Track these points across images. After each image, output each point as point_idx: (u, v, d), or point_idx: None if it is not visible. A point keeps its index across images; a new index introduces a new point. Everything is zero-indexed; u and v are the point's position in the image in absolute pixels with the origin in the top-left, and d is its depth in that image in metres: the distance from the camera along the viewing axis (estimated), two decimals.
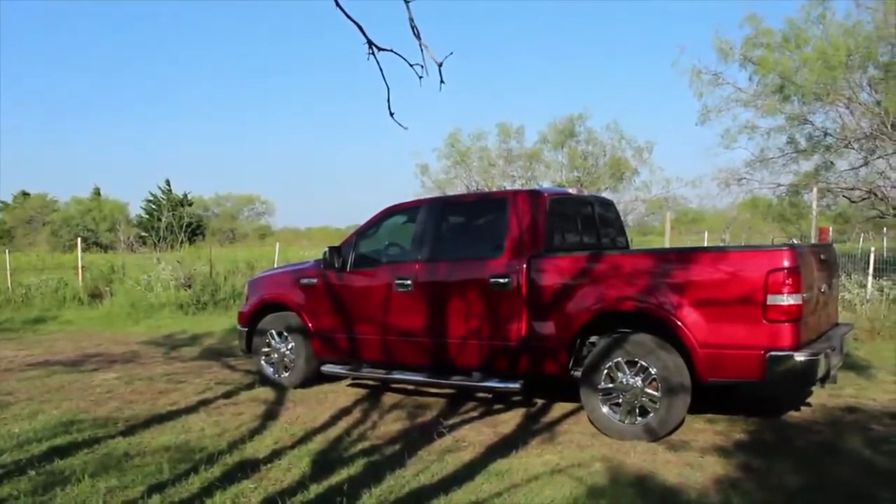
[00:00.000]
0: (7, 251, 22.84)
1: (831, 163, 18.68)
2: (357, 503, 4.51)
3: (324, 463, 5.36)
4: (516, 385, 6.66)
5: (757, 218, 26.24)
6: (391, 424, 6.55)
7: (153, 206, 62.01)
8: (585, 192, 8.39)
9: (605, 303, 6.13)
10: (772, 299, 5.43)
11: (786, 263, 5.45)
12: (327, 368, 8.03)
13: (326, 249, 7.81)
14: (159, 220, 25.26)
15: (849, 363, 8.51)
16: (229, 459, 5.49)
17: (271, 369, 8.42)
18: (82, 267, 19.83)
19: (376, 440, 6.02)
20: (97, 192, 72.32)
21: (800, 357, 5.43)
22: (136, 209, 68.96)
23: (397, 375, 7.52)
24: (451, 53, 2.94)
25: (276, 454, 5.60)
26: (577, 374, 6.36)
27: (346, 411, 7.05)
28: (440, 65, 2.96)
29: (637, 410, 6.01)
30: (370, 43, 3.13)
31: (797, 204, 19.92)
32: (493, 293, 6.68)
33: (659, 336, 5.97)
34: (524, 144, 18.66)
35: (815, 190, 13.25)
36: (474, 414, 6.87)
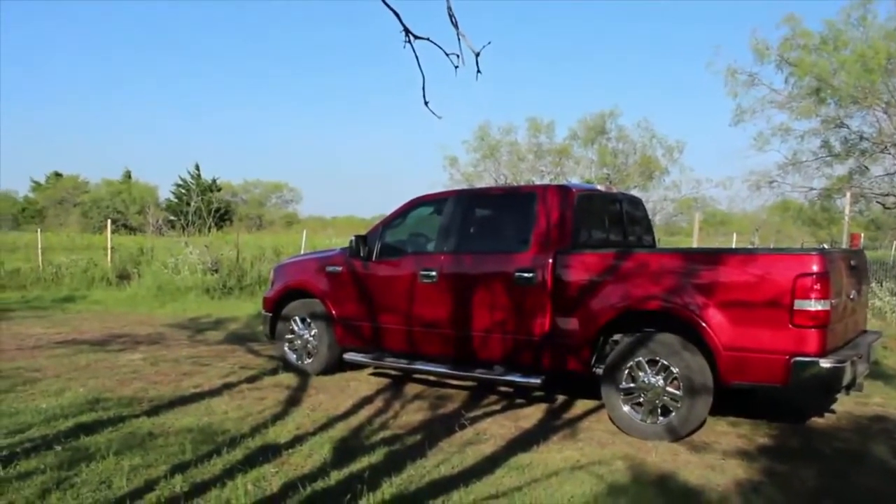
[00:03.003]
0: (38, 230, 23.16)
1: (866, 167, 18.44)
2: (377, 491, 4.51)
3: (345, 450, 5.38)
4: (537, 380, 6.63)
5: (787, 222, 25.97)
6: (413, 415, 6.56)
7: (182, 191, 62.41)
8: (614, 190, 8.36)
9: (630, 301, 6.10)
10: (799, 304, 5.36)
11: (815, 268, 5.37)
12: (349, 356, 8.03)
13: (353, 238, 7.86)
14: (188, 204, 25.43)
15: (877, 372, 8.40)
16: (251, 443, 5.52)
17: (294, 355, 8.47)
18: (111, 248, 20.06)
19: (398, 430, 6.02)
20: (128, 175, 72.95)
21: (825, 364, 5.35)
22: (165, 193, 69.49)
23: (419, 366, 7.52)
24: (490, 43, 2.93)
25: (297, 440, 5.63)
26: (600, 371, 6.33)
27: (368, 400, 7.07)
28: (477, 54, 2.96)
29: (658, 410, 5.97)
30: (407, 31, 3.12)
31: (829, 208, 19.70)
32: (518, 287, 6.66)
33: (683, 336, 5.93)
34: (554, 140, 18.55)
35: (848, 195, 13.09)
36: (496, 407, 6.86)
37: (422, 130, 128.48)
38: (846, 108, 17.23)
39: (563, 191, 6.95)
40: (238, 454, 5.23)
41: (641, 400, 6.04)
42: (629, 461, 5.32)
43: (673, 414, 5.90)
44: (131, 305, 15.62)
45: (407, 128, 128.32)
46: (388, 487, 4.60)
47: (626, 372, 6.10)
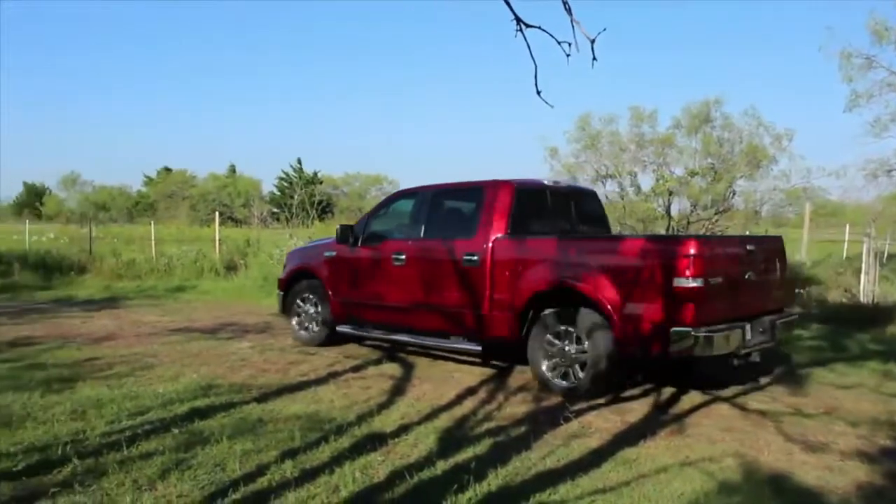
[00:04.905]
0: (152, 223, 24.12)
1: None
2: (483, 482, 4.50)
3: (450, 440, 5.39)
4: (478, 347, 7.72)
5: None
6: (517, 406, 6.54)
7: (285, 184, 64.03)
8: (563, 184, 9.15)
9: (549, 280, 7.09)
10: (677, 282, 6.19)
11: (691, 251, 6.20)
12: (341, 329, 9.22)
13: (339, 227, 9.10)
14: (291, 197, 26.03)
15: None
16: (357, 431, 5.59)
17: (300, 328, 9.81)
18: (219, 240, 20.69)
19: (502, 421, 6.01)
20: (233, 170, 75.38)
21: (697, 333, 6.15)
22: (268, 186, 71.43)
23: (391, 336, 8.71)
24: (605, 30, 2.85)
25: (403, 429, 5.68)
26: (529, 340, 7.26)
27: (471, 391, 7.09)
28: (593, 41, 2.88)
29: (571, 373, 6.93)
30: (518, 20, 3.08)
31: None
32: (466, 268, 7.70)
33: (591, 311, 6.79)
34: (657, 129, 18.01)
35: None
36: (601, 401, 6.74)
37: (523, 121, 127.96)
38: None
39: (505, 185, 7.84)
40: (345, 442, 5.31)
41: (558, 364, 7.02)
42: (740, 459, 5.15)
43: (581, 377, 6.83)
44: (238, 295, 16.07)
45: (508, 119, 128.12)
46: (495, 479, 4.59)
47: (548, 339, 7.08)
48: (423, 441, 5.38)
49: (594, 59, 2.89)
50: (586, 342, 6.81)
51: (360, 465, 4.83)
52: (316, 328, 9.59)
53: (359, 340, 9.69)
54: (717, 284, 6.38)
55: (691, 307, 6.19)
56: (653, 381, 7.45)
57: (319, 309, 9.52)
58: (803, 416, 6.35)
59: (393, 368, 8.14)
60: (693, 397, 6.92)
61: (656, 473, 4.78)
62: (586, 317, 6.82)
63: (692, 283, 6.15)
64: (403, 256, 8.31)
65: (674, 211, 17.78)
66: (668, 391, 7.15)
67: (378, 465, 4.85)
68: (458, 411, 6.31)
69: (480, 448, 5.22)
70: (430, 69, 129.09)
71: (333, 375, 7.68)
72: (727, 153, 17.73)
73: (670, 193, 17.40)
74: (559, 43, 3.03)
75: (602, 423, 6.04)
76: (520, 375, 7.78)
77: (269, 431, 5.55)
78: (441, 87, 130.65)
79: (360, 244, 8.91)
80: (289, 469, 4.71)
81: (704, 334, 6.17)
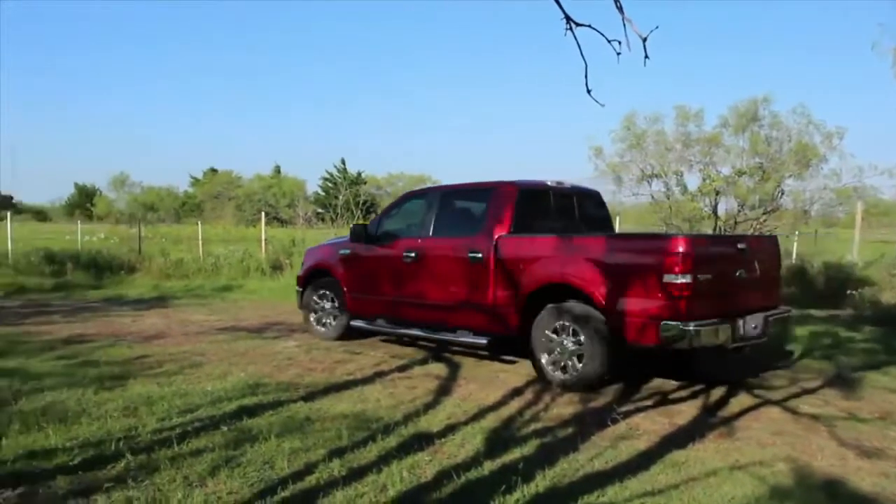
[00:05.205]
0: (199, 223, 24.46)
1: None
2: (531, 483, 4.49)
3: (497, 441, 5.38)
4: (484, 341, 8.04)
5: None
6: (563, 407, 6.50)
7: (329, 184, 64.48)
8: (566, 185, 9.13)
9: (547, 276, 7.40)
10: (667, 278, 6.44)
11: (680, 249, 6.44)
12: (354, 323, 9.64)
13: (353, 226, 9.60)
14: (336, 197, 26.17)
15: None
16: (404, 431, 5.61)
17: (317, 323, 10.30)
18: (265, 240, 20.89)
19: (549, 422, 5.98)
20: (277, 170, 76.14)
21: (686, 327, 6.39)
22: (312, 187, 71.99)
23: (401, 330, 9.12)
24: (657, 27, 2.82)
25: (449, 429, 5.68)
26: (530, 333, 7.52)
27: (517, 391, 7.06)
28: (644, 39, 2.84)
29: (568, 365, 7.18)
30: (568, 18, 3.05)
31: None
32: (472, 265, 8.05)
33: (586, 305, 7.09)
34: (703, 128, 17.72)
35: None
36: (648, 402, 6.70)
37: (566, 122, 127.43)
38: None
39: (509, 186, 8.21)
40: (392, 441, 5.33)
41: (556, 357, 7.27)
42: (792, 463, 5.06)
43: (578, 369, 7.07)
44: (284, 295, 16.13)
45: (551, 120, 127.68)
46: (542, 480, 4.57)
47: (547, 332, 7.35)
48: (470, 441, 5.37)
49: (646, 57, 2.86)
50: (582, 336, 7.05)
51: (408, 464, 4.84)
52: (332, 323, 10.08)
53: (373, 334, 9.99)
54: (707, 281, 6.61)
55: (681, 302, 6.44)
56: (701, 382, 7.38)
57: (335, 304, 10.00)
58: (857, 420, 6.22)
59: (438, 368, 8.15)
60: (742, 400, 6.83)
61: (706, 477, 4.73)
62: (582, 311, 7.09)
63: (681, 280, 6.41)
64: (413, 254, 8.68)
65: (721, 211, 17.52)
66: (716, 393, 7.06)
67: (425, 465, 4.86)
68: (505, 412, 6.29)
69: (527, 449, 5.21)
70: (466, 69, 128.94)
71: (379, 375, 7.72)
72: (775, 152, 17.40)
73: (717, 193, 17.15)
74: (609, 42, 3.00)
75: (650, 424, 5.98)
76: None
77: (317, 430, 5.59)
78: (480, 87, 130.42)
79: (373, 242, 9.34)
80: (336, 468, 4.74)
81: (693, 328, 6.41)
